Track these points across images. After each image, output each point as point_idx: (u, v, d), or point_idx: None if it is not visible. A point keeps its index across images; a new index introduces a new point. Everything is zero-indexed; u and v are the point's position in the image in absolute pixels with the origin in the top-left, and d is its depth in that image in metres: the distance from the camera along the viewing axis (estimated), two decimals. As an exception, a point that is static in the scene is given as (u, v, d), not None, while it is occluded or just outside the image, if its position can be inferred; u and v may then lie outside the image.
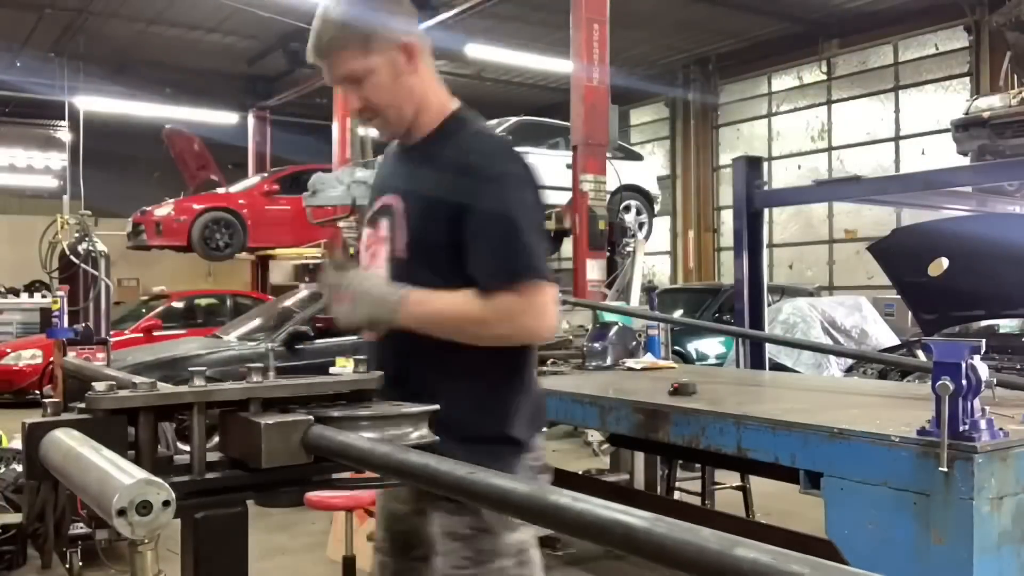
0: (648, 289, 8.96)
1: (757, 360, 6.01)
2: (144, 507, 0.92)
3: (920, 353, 5.81)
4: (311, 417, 1.34)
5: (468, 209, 1.79)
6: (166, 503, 0.93)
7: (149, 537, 0.93)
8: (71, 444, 1.14)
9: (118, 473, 0.96)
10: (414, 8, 1.94)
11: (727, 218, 16.84)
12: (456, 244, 1.81)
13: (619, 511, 0.89)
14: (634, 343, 5.02)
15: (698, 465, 5.26)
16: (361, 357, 1.58)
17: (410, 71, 1.87)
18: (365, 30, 1.83)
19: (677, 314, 9.89)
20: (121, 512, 0.91)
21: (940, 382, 2.17)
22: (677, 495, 5.17)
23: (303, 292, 9.96)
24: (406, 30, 1.88)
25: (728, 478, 5.23)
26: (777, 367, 7.47)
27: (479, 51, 13.98)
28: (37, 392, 9.85)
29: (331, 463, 1.36)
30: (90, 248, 6.67)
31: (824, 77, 16.30)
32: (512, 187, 1.85)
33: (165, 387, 1.35)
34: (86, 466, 1.04)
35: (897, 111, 15.19)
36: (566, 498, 0.95)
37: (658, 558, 0.84)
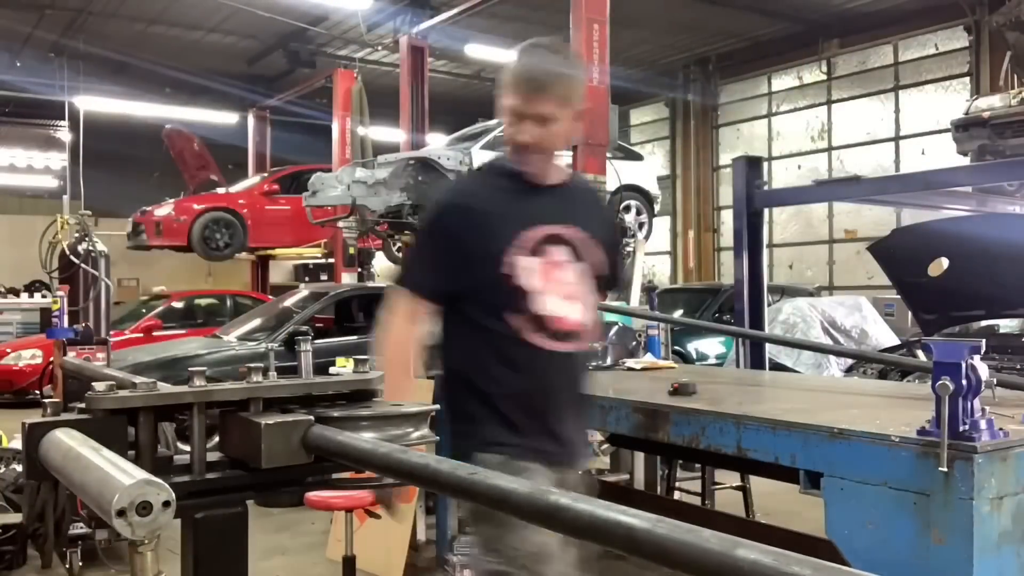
0: (648, 289, 8.96)
1: (757, 360, 6.00)
2: (144, 507, 0.92)
3: (920, 353, 5.80)
4: (311, 417, 1.34)
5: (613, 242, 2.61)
6: (166, 504, 0.93)
7: (149, 538, 0.93)
8: (71, 444, 1.14)
9: (118, 473, 0.96)
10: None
11: (727, 218, 16.84)
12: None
13: (619, 512, 0.89)
14: (634, 343, 5.01)
15: (698, 465, 5.26)
16: (361, 357, 1.58)
17: (575, 130, 2.35)
18: (573, 91, 2.30)
19: (677, 314, 9.88)
20: (121, 513, 0.91)
21: (940, 382, 2.17)
22: (677, 495, 5.16)
23: (303, 292, 9.96)
24: (585, 99, 2.39)
25: (728, 478, 5.23)
26: (777, 367, 7.47)
27: (479, 51, 13.99)
28: (37, 392, 9.85)
29: (331, 463, 1.35)
30: (90, 248, 6.67)
31: (824, 77, 16.30)
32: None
33: (165, 387, 1.34)
34: (86, 466, 1.04)
35: (897, 111, 15.19)
36: (566, 499, 0.94)
37: (659, 558, 0.84)
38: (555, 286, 2.28)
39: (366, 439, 1.30)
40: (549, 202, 2.35)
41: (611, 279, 2.53)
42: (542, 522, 1.00)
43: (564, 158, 2.47)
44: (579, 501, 0.94)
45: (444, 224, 2.35)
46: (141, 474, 0.95)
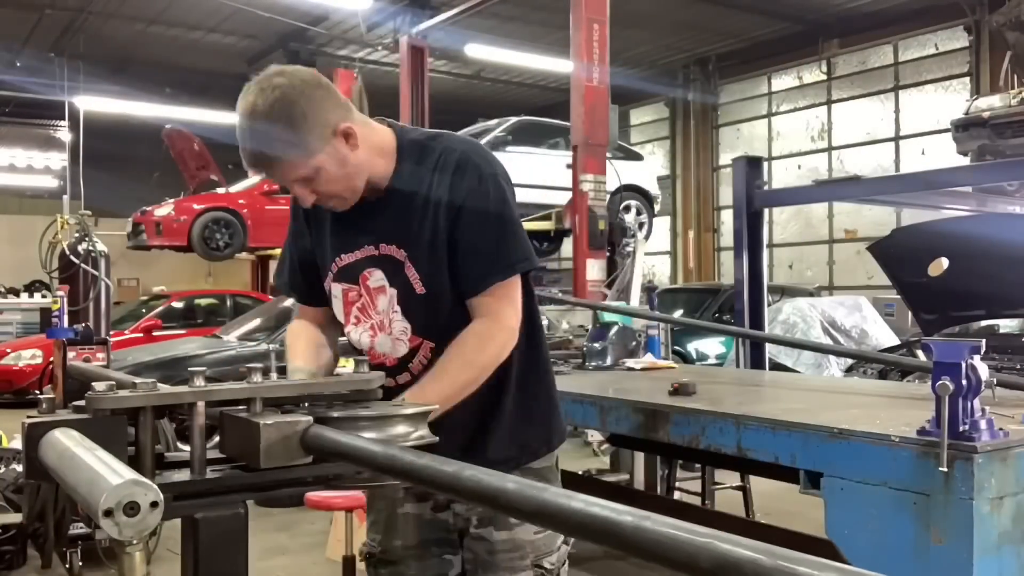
0: (648, 289, 8.95)
1: (757, 360, 6.00)
2: (131, 508, 0.92)
3: (920, 353, 5.80)
4: (310, 417, 1.34)
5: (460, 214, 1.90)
6: (154, 504, 0.93)
7: (137, 538, 0.93)
8: (66, 444, 1.13)
9: (107, 473, 0.96)
10: (331, 86, 1.86)
11: (727, 218, 16.85)
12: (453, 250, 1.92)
13: (613, 510, 0.89)
14: (634, 343, 5.01)
15: (698, 465, 5.26)
16: (361, 358, 1.58)
17: (353, 150, 1.82)
18: (297, 137, 1.76)
19: (677, 314, 9.88)
20: (108, 512, 0.91)
21: (940, 382, 2.17)
22: (677, 495, 5.16)
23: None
24: (337, 117, 1.80)
25: (728, 478, 5.23)
26: (777, 367, 7.47)
27: (479, 51, 13.98)
28: (37, 392, 9.84)
29: (331, 463, 1.35)
30: (90, 248, 6.67)
31: (824, 77, 16.30)
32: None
33: (165, 387, 1.34)
34: (78, 466, 1.04)
35: (897, 111, 15.19)
36: (562, 497, 0.94)
37: (656, 558, 0.84)
38: (377, 315, 1.98)
39: (365, 439, 1.30)
40: (364, 220, 1.96)
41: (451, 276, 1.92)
42: (538, 521, 1.00)
43: (386, 142, 1.94)
44: (572, 499, 0.94)
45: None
46: (130, 474, 0.95)
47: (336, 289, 2.02)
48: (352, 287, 2.00)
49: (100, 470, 0.98)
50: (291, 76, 1.79)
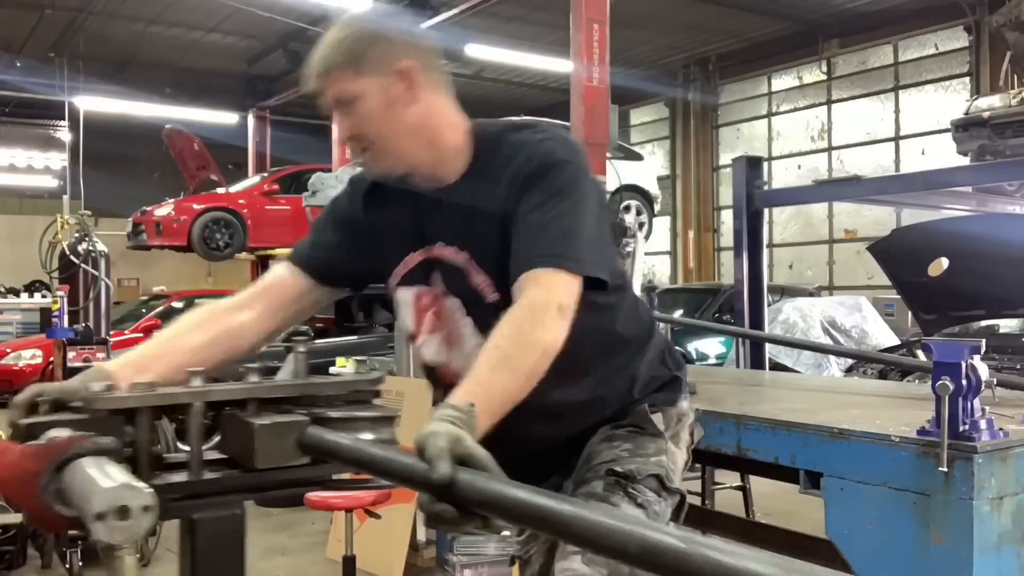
0: (648, 289, 8.94)
1: (757, 360, 6.00)
2: (123, 512, 0.91)
3: (920, 353, 5.80)
4: (307, 418, 1.33)
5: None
6: (146, 508, 0.92)
7: (128, 542, 0.92)
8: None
9: (99, 476, 0.96)
10: (429, 43, 1.77)
11: (727, 218, 16.84)
12: None
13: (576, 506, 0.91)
14: (634, 343, 5.00)
15: (698, 465, 5.26)
16: (361, 358, 1.58)
17: (407, 100, 1.68)
18: (356, 50, 1.68)
19: (677, 314, 9.88)
20: (100, 516, 0.90)
21: (940, 382, 2.17)
22: (677, 495, 5.15)
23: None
24: (404, 54, 1.68)
25: (728, 478, 5.22)
26: (777, 367, 7.46)
27: (479, 51, 13.97)
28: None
29: (331, 464, 1.35)
30: (90, 248, 6.67)
31: (824, 77, 16.29)
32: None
33: (162, 387, 1.34)
34: (72, 468, 1.04)
35: (897, 111, 15.19)
36: (552, 501, 0.95)
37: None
38: (449, 326, 1.80)
39: (361, 440, 1.30)
40: (435, 214, 1.78)
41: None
42: (530, 522, 1.01)
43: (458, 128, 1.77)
44: (563, 503, 0.94)
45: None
46: (122, 478, 0.94)
47: (405, 295, 1.82)
48: (425, 290, 1.79)
49: (92, 473, 0.97)
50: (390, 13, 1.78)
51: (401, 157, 1.71)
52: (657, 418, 1.88)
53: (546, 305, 1.53)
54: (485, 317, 1.65)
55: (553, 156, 1.68)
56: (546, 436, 1.82)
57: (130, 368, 1.58)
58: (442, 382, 1.78)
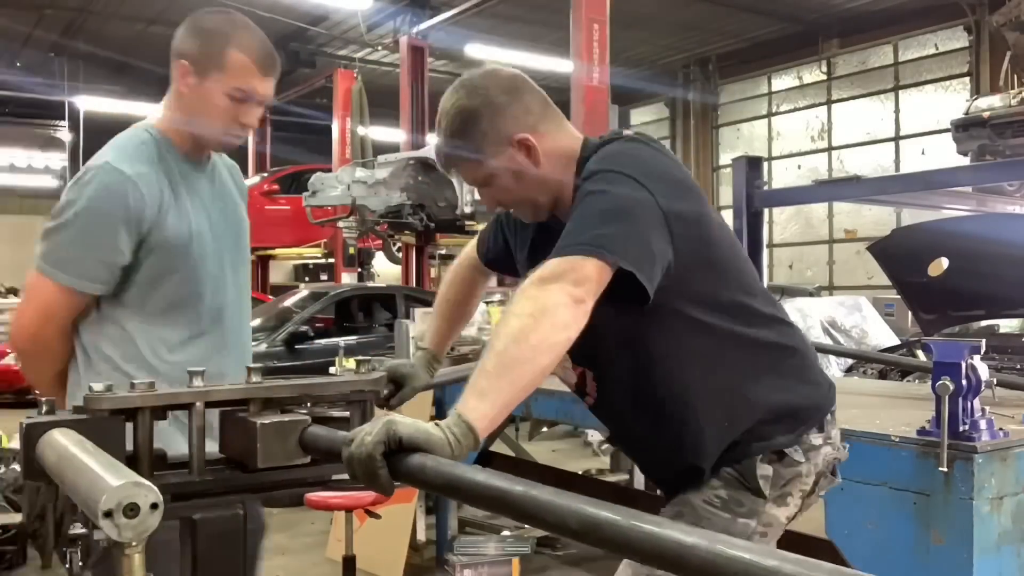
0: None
1: (757, 360, 5.99)
2: (131, 509, 0.91)
3: (920, 353, 5.80)
4: (308, 417, 1.33)
5: None
6: (154, 505, 0.92)
7: (136, 540, 0.92)
8: (65, 444, 1.13)
9: (107, 474, 0.96)
10: (525, 93, 1.83)
11: (727, 218, 16.80)
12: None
13: (575, 499, 0.92)
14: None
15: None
16: (362, 358, 1.58)
17: (532, 163, 1.76)
18: (473, 137, 1.75)
19: (677, 314, 9.86)
20: (108, 514, 0.91)
21: (940, 382, 2.17)
22: (677, 495, 5.15)
23: (303, 292, 9.95)
24: (517, 127, 1.76)
25: (728, 478, 5.22)
26: (777, 367, 7.44)
27: (479, 51, 13.98)
28: (37, 392, 9.84)
29: (330, 463, 1.35)
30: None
31: (824, 77, 16.30)
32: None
33: (163, 387, 1.34)
34: (77, 467, 1.04)
35: (897, 111, 15.19)
36: (556, 497, 0.95)
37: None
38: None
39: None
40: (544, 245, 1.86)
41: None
42: (520, 518, 1.01)
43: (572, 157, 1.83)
44: (542, 491, 0.96)
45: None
46: (130, 475, 0.94)
47: None
48: None
49: (100, 471, 0.98)
50: (483, 78, 1.80)
51: (540, 205, 1.82)
52: (765, 472, 1.73)
53: (548, 293, 1.47)
54: None
55: (599, 166, 1.69)
56: (645, 464, 2.07)
57: (439, 338, 2.12)
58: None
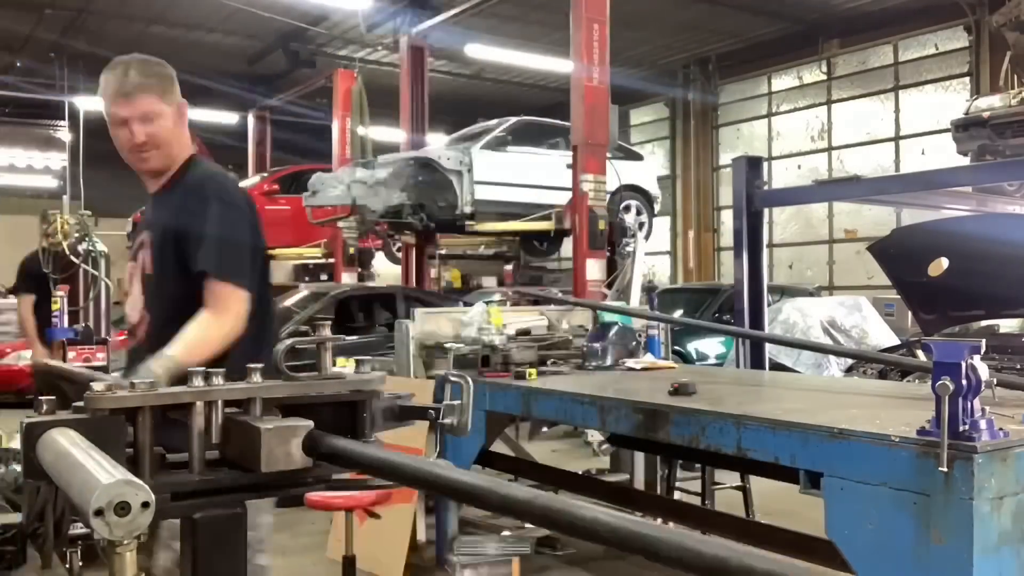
0: (648, 289, 8.95)
1: (757, 360, 6.00)
2: (122, 508, 0.91)
3: (920, 353, 5.80)
4: (310, 422, 1.33)
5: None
6: (145, 504, 0.92)
7: (127, 538, 0.92)
8: (62, 443, 1.13)
9: (99, 473, 0.95)
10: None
11: (727, 218, 16.84)
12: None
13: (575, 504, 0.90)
14: (634, 343, 5.01)
15: (698, 465, 5.26)
16: (363, 358, 1.58)
17: (182, 125, 2.61)
18: (165, 83, 2.62)
19: (677, 314, 9.87)
20: (99, 512, 0.90)
21: (940, 382, 2.17)
22: (677, 495, 5.16)
23: (303, 292, 9.95)
24: (180, 95, 2.60)
25: (728, 478, 5.22)
26: (777, 367, 7.46)
27: (479, 51, 13.98)
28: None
29: (329, 464, 1.35)
30: (90, 248, 6.67)
31: (824, 77, 16.30)
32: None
33: (163, 387, 1.34)
34: (71, 465, 1.04)
35: (897, 111, 15.19)
36: (528, 493, 0.95)
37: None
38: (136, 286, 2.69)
39: (366, 444, 1.30)
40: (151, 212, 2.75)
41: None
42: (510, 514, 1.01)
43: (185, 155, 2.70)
44: (539, 497, 0.94)
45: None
46: (121, 474, 0.94)
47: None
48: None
49: (92, 469, 0.97)
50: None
51: (170, 162, 2.75)
52: None
53: None
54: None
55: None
56: None
57: None
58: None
